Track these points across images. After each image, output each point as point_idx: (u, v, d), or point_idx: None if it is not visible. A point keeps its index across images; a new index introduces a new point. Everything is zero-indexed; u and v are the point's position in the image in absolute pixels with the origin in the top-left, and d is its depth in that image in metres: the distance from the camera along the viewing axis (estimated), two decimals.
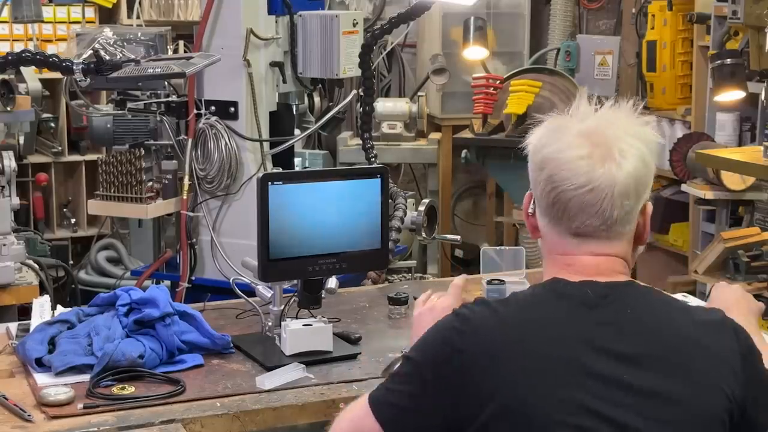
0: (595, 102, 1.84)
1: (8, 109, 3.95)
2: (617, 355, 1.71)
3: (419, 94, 5.79)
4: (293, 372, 2.26)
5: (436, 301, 2.12)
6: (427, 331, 1.80)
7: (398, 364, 1.84)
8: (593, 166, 1.73)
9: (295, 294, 2.49)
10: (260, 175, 2.33)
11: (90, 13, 5.92)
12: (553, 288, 1.78)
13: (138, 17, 5.87)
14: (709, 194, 5.09)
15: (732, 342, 1.78)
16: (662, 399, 1.70)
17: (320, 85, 4.06)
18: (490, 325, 1.74)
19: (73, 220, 6.03)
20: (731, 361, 1.76)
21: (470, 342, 1.72)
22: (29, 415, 2.07)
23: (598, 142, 1.74)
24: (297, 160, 4.27)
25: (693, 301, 2.78)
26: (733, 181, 4.96)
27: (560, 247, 1.80)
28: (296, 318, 2.49)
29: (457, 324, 1.74)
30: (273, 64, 3.72)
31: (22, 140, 4.29)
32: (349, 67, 3.71)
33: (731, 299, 2.15)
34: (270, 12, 3.71)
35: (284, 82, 3.78)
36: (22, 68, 4.04)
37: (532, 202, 1.83)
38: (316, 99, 4.10)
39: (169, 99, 3.79)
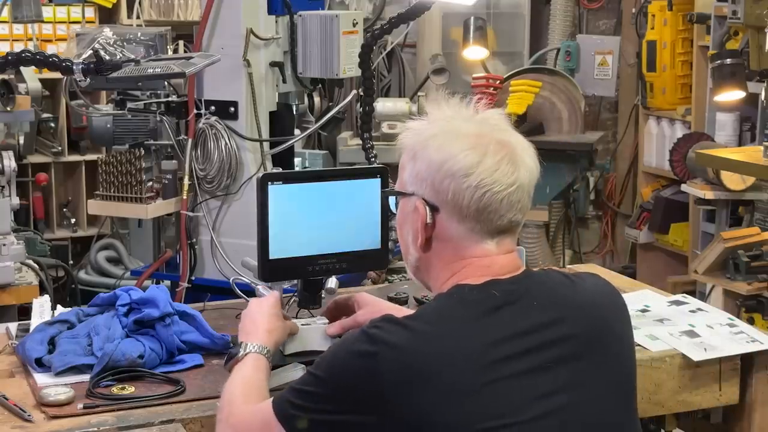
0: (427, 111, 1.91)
1: (8, 109, 3.95)
2: (539, 345, 1.76)
3: (419, 94, 5.79)
4: (293, 372, 2.26)
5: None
6: (336, 349, 1.83)
7: (301, 379, 1.85)
8: (515, 165, 1.81)
9: (295, 294, 2.49)
10: (260, 175, 2.33)
11: (90, 13, 5.93)
12: (459, 297, 1.80)
13: (138, 17, 5.87)
14: (709, 194, 5.10)
15: (622, 300, 1.93)
16: (595, 373, 1.80)
17: (320, 85, 4.05)
18: (403, 345, 1.73)
19: (73, 220, 6.03)
20: (628, 319, 1.92)
21: (385, 362, 1.72)
22: (29, 415, 2.07)
23: (501, 143, 1.82)
24: (297, 160, 4.27)
25: (693, 301, 2.78)
26: (733, 181, 4.96)
27: (476, 250, 1.84)
28: (296, 318, 2.49)
29: (369, 345, 1.74)
30: (273, 64, 3.72)
31: (22, 140, 4.30)
32: (349, 67, 3.71)
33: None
34: (270, 12, 3.71)
35: (284, 82, 3.78)
36: (22, 68, 4.05)
37: (428, 214, 1.84)
38: (316, 99, 4.10)
39: (169, 99, 3.79)
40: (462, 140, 1.82)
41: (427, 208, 1.85)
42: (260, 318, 2.17)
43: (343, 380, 1.76)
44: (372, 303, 2.33)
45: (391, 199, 1.97)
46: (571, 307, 1.83)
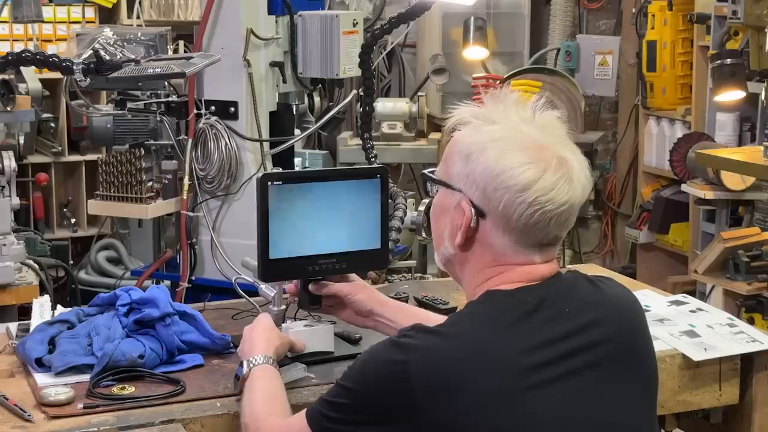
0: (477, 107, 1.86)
1: (8, 109, 3.95)
2: (572, 351, 1.75)
3: (419, 94, 5.79)
4: (294, 372, 2.26)
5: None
6: (365, 359, 1.80)
7: (332, 390, 1.83)
8: (572, 185, 1.78)
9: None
10: (260, 175, 2.33)
11: (90, 13, 5.93)
12: (492, 303, 1.79)
13: (138, 17, 5.87)
14: (709, 194, 5.10)
15: (640, 304, 1.93)
16: (626, 377, 1.80)
17: (320, 85, 4.05)
18: (435, 350, 1.71)
19: (73, 220, 6.03)
20: (646, 322, 1.91)
21: (417, 368, 1.70)
22: (29, 415, 2.07)
23: (562, 161, 1.77)
24: (297, 160, 4.27)
25: (693, 301, 2.78)
26: (733, 181, 4.96)
27: (518, 259, 1.81)
28: (295, 318, 2.49)
29: (399, 354, 1.72)
30: (273, 64, 3.72)
31: (22, 140, 4.30)
32: (349, 67, 3.71)
33: None
34: (270, 12, 3.70)
35: (284, 82, 3.78)
36: (22, 68, 4.05)
37: (473, 218, 1.80)
38: (316, 99, 4.10)
39: (169, 99, 3.79)
40: (523, 153, 1.76)
41: (473, 210, 1.80)
42: (255, 335, 2.18)
43: (374, 390, 1.74)
44: (356, 278, 2.38)
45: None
46: (601, 311, 1.82)
